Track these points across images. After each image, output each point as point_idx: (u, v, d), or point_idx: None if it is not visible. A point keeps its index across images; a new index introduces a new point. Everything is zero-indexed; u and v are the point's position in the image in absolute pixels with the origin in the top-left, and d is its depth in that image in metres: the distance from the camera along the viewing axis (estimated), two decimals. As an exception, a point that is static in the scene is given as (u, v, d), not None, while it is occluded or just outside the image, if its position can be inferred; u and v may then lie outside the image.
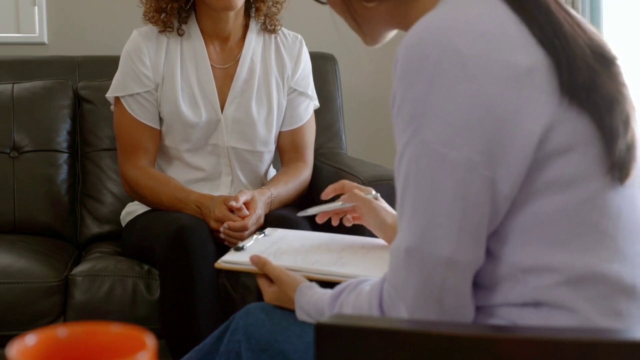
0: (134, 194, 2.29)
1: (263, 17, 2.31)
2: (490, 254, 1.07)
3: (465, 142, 1.01)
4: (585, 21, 1.14)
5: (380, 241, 1.65)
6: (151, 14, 2.25)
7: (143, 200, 2.27)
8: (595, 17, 3.14)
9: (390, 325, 1.01)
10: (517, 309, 1.07)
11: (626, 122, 1.07)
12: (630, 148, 1.07)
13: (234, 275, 2.15)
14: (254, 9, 2.31)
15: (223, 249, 2.06)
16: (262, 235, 1.69)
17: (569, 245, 1.05)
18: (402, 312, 1.07)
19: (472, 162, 1.01)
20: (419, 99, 1.02)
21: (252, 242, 1.63)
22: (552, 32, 1.05)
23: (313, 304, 1.30)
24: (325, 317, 1.15)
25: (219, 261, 1.54)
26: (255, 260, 1.45)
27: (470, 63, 1.01)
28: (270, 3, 2.30)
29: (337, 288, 1.24)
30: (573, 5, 3.05)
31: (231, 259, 1.54)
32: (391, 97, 1.08)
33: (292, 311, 1.35)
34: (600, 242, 1.06)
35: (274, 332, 1.33)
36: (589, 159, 1.04)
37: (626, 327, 1.06)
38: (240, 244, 1.59)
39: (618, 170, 1.05)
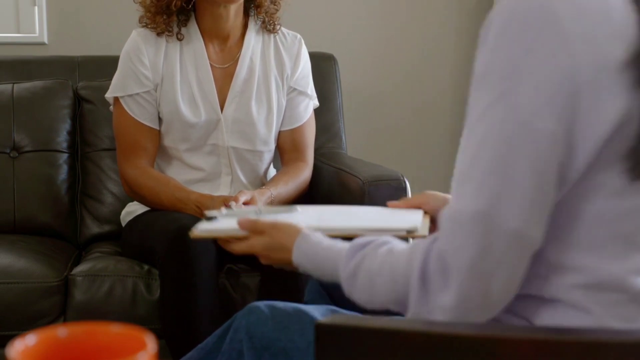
0: (134, 194, 2.29)
1: (262, 16, 2.31)
2: None
3: (552, 115, 0.98)
4: None
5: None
6: (150, 16, 2.24)
7: (143, 200, 2.27)
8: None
9: (390, 325, 1.01)
10: (534, 304, 1.07)
11: None
12: None
13: (234, 275, 2.15)
14: (253, 9, 2.31)
15: (223, 249, 2.06)
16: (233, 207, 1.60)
17: (600, 251, 1.04)
18: (449, 283, 1.00)
19: (555, 137, 0.98)
20: (515, 63, 0.99)
21: (224, 211, 1.55)
22: None
23: (321, 249, 1.24)
24: (342, 269, 1.14)
25: (195, 231, 1.45)
26: (245, 222, 1.40)
27: (570, 39, 0.99)
28: (269, 1, 2.30)
29: (359, 240, 1.17)
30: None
31: (208, 228, 1.46)
32: (478, 56, 1.04)
33: (295, 309, 1.33)
34: (629, 253, 1.05)
35: (276, 330, 1.32)
36: None
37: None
38: (210, 214, 1.51)
39: None
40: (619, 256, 1.05)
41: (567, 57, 0.98)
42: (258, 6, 2.30)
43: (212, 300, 2.00)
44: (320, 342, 0.98)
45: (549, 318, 1.06)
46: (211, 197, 2.13)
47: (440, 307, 1.02)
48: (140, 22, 2.27)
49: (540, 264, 1.05)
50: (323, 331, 0.99)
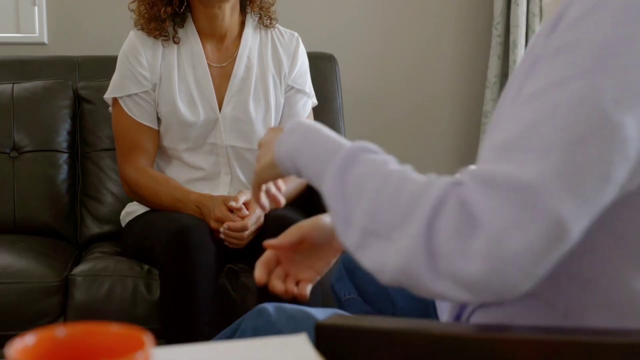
0: (134, 195, 2.29)
1: (258, 11, 2.31)
2: None
3: (634, 112, 0.86)
4: None
5: None
6: (144, 22, 2.24)
7: (142, 200, 2.27)
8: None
9: (391, 326, 1.01)
10: (543, 314, 0.98)
11: None
12: None
13: (234, 275, 2.15)
14: (248, 6, 2.31)
15: (223, 249, 2.07)
16: None
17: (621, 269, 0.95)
18: (477, 233, 0.84)
19: (629, 137, 0.86)
20: (610, 44, 0.86)
21: None
22: None
23: (318, 135, 1.05)
24: (334, 161, 0.96)
25: None
26: None
27: None
28: None
29: (367, 144, 0.99)
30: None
31: None
32: (569, 14, 0.90)
33: (302, 312, 1.29)
34: None
35: (282, 333, 1.30)
36: None
37: None
38: None
39: None
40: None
41: None
42: (251, 1, 2.30)
43: (211, 301, 2.00)
44: (321, 342, 0.98)
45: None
46: (211, 197, 2.14)
47: (472, 252, 0.84)
48: (135, 25, 2.28)
49: (561, 273, 0.94)
50: (323, 331, 0.99)
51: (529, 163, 0.84)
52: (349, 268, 1.29)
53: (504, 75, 3.05)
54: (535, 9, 3.01)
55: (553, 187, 0.83)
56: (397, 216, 0.88)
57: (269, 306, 1.31)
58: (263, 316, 1.32)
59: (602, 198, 0.86)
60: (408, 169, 0.94)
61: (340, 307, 1.49)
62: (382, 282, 0.93)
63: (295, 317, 1.29)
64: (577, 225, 0.85)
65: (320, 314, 1.30)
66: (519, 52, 3.01)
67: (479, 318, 1.03)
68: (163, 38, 2.26)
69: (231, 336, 1.39)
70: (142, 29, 2.25)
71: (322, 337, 0.99)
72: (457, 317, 1.04)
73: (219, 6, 2.21)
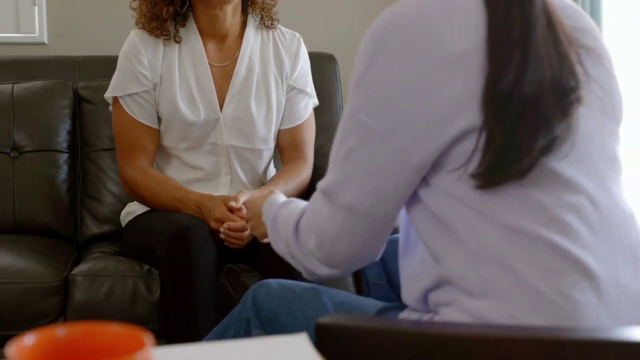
0: (134, 194, 2.29)
1: (259, 12, 2.31)
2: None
3: (383, 115, 1.14)
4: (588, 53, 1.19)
5: None
6: (145, 21, 2.24)
7: (142, 200, 2.27)
8: (595, 17, 3.14)
9: (390, 326, 1.01)
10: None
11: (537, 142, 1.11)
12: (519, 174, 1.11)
13: (234, 275, 2.15)
14: (250, 7, 2.31)
15: (223, 249, 2.07)
16: None
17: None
18: (311, 238, 1.25)
19: (386, 133, 1.14)
20: (359, 73, 1.17)
21: None
22: (514, 36, 1.11)
23: (271, 205, 1.45)
24: (269, 219, 1.39)
25: None
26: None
27: (407, 48, 1.13)
28: None
29: (288, 199, 1.44)
30: (573, 5, 3.05)
31: None
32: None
33: (303, 287, 1.43)
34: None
35: (281, 305, 1.39)
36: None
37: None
38: None
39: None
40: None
41: (401, 63, 1.13)
42: (253, 2, 2.30)
43: (211, 301, 1.99)
44: (321, 342, 0.98)
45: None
46: (211, 197, 2.13)
47: (309, 252, 1.26)
48: (136, 24, 2.27)
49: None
50: (323, 331, 0.99)
51: (328, 175, 1.22)
52: (384, 255, 1.38)
53: (504, 75, 3.05)
54: (535, 9, 3.01)
55: (337, 187, 1.19)
56: (286, 246, 1.33)
57: (271, 280, 1.49)
58: (265, 288, 1.47)
59: (383, 181, 1.16)
60: (297, 206, 1.35)
61: (368, 290, 1.63)
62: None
63: (294, 291, 1.43)
64: (363, 203, 1.18)
65: (323, 291, 1.41)
66: (519, 52, 3.01)
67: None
68: (164, 37, 2.25)
69: (236, 313, 1.49)
70: (143, 28, 2.25)
71: (322, 337, 0.99)
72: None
73: (220, 7, 2.21)
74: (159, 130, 2.29)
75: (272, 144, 2.36)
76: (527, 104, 1.09)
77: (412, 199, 1.20)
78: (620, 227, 1.16)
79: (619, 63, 3.36)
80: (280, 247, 1.35)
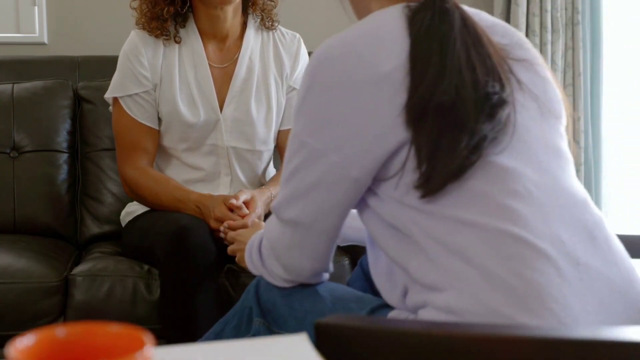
0: (134, 195, 2.29)
1: (260, 13, 2.31)
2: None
3: (321, 135, 1.24)
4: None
5: None
6: (145, 21, 2.24)
7: (142, 200, 2.27)
8: (595, 17, 3.14)
9: (390, 326, 1.01)
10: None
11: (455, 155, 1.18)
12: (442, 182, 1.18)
13: (234, 275, 2.15)
14: (250, 7, 2.31)
15: (223, 249, 2.07)
16: None
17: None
18: (271, 256, 1.38)
19: (324, 150, 1.24)
20: (299, 101, 1.28)
21: None
22: (432, 57, 1.20)
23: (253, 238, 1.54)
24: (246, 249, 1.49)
25: None
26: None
27: (337, 74, 1.23)
28: None
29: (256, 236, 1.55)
30: (573, 5, 3.05)
31: None
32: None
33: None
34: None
35: (281, 296, 1.42)
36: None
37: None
38: None
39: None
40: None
41: (331, 89, 1.23)
42: (253, 3, 2.30)
43: (211, 301, 1.99)
44: (321, 342, 0.98)
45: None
46: (211, 197, 2.13)
47: (272, 269, 1.40)
48: (136, 24, 2.27)
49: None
50: (323, 331, 0.99)
51: (279, 194, 1.34)
52: (367, 270, 1.49)
53: (504, 75, 3.05)
54: (535, 9, 3.01)
55: (284, 205, 1.32)
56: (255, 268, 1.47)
57: None
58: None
59: (324, 194, 1.27)
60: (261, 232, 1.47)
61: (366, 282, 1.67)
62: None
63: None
64: (306, 217, 1.30)
65: (321, 285, 1.45)
66: (519, 52, 3.00)
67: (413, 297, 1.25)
68: (164, 37, 2.25)
69: (240, 301, 1.53)
70: (144, 28, 2.25)
71: (322, 337, 0.99)
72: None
73: (221, 8, 2.21)
74: (159, 131, 2.29)
75: (272, 145, 2.36)
76: (444, 111, 1.17)
77: (367, 212, 1.29)
78: (572, 210, 1.21)
79: (619, 63, 3.38)
80: (254, 271, 1.47)
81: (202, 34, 2.28)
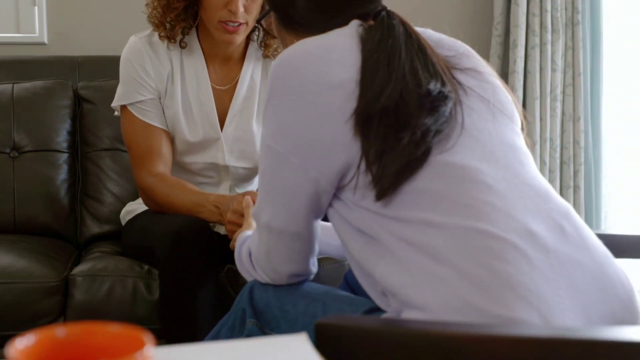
0: (150, 202, 2.22)
1: (270, 54, 2.27)
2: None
3: (281, 138, 1.31)
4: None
5: None
6: (155, 21, 2.19)
7: (158, 207, 2.19)
8: (595, 17, 3.14)
9: (390, 326, 1.01)
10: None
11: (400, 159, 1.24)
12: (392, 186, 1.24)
13: (234, 275, 2.15)
14: (258, 36, 2.26)
15: (223, 249, 2.06)
16: None
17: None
18: (256, 261, 1.43)
19: (286, 153, 1.31)
20: (264, 109, 1.36)
21: None
22: (378, 67, 1.27)
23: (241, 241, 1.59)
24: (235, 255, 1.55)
25: None
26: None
27: (293, 82, 1.31)
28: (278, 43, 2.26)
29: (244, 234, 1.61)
30: (573, 5, 3.05)
31: None
32: None
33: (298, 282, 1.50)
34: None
35: (274, 298, 1.44)
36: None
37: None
38: None
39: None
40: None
41: (290, 95, 1.31)
42: (267, 45, 2.26)
43: (211, 301, 1.99)
44: (321, 342, 0.98)
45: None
46: (230, 196, 2.08)
47: (256, 272, 1.45)
48: (149, 19, 2.20)
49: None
50: (323, 331, 0.99)
51: (256, 202, 1.41)
52: (353, 283, 1.51)
53: (503, 75, 3.05)
54: (535, 9, 3.01)
55: (257, 210, 1.39)
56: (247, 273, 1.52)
57: None
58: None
59: (289, 196, 1.33)
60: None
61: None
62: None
63: (289, 285, 1.48)
64: (277, 221, 1.35)
65: (315, 287, 1.46)
66: (519, 52, 3.01)
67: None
68: (170, 41, 2.20)
69: (235, 303, 1.54)
70: (154, 23, 2.19)
71: (322, 337, 0.99)
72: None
73: (227, 46, 2.19)
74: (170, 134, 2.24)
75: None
76: (387, 114, 1.23)
77: (336, 218, 1.33)
78: (535, 201, 1.24)
79: (619, 63, 3.37)
80: (246, 275, 1.52)
81: (205, 54, 2.25)
